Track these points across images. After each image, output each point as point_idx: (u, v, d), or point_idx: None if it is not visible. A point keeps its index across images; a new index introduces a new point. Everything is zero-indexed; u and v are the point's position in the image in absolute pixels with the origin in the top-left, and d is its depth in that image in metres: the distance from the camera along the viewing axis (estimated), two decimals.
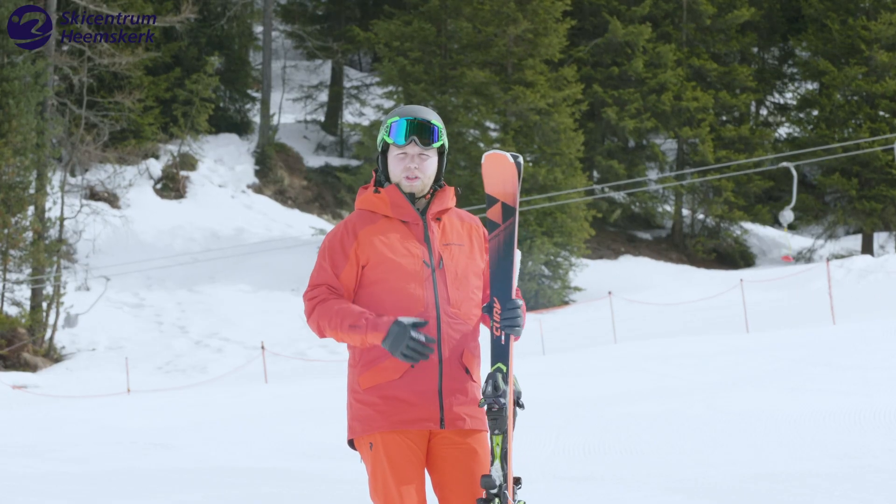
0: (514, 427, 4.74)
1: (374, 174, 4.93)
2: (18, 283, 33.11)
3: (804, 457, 9.63)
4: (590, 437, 11.42)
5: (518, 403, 4.78)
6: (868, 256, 39.09)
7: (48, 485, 10.29)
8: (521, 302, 4.74)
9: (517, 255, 4.80)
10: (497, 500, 4.63)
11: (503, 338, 4.74)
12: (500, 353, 4.74)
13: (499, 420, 4.67)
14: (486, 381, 4.69)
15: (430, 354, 4.69)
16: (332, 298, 4.75)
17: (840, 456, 9.52)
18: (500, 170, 4.81)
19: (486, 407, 4.69)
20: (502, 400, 4.67)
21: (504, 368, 4.71)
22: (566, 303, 37.13)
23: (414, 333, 4.59)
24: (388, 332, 4.61)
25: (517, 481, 4.72)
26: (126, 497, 9.55)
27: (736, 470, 9.27)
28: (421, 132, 4.79)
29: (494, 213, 4.84)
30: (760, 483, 8.57)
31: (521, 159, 4.78)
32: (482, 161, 4.84)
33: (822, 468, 9.03)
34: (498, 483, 4.63)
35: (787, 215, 40.63)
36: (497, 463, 4.67)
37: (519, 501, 4.70)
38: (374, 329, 4.64)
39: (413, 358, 4.60)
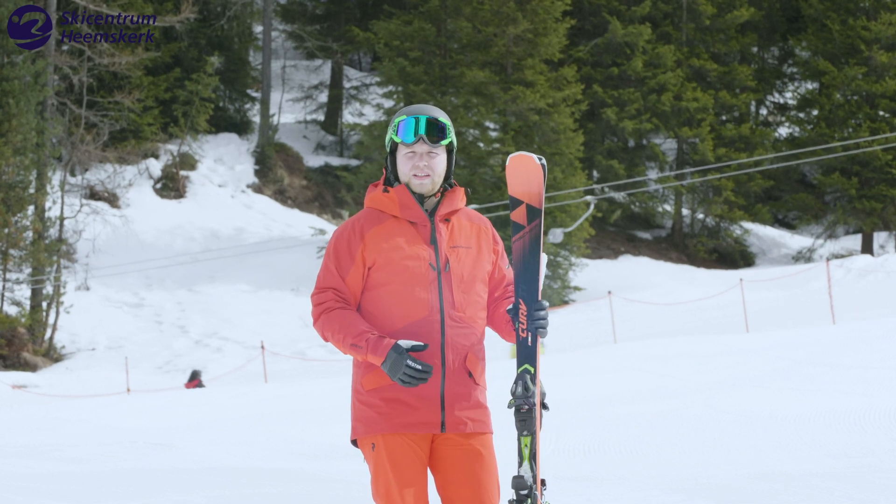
0: (541, 428, 4.74)
1: (384, 172, 4.92)
2: (18, 282, 33.12)
3: (804, 457, 9.63)
4: (590, 437, 11.42)
5: (543, 405, 4.78)
6: (868, 256, 39.09)
7: (48, 485, 10.29)
8: (546, 303, 4.76)
9: (543, 257, 4.78)
10: (528, 500, 4.64)
11: (530, 339, 4.73)
12: (528, 354, 4.73)
13: (528, 421, 4.67)
14: (516, 383, 4.68)
15: (436, 358, 4.71)
16: (338, 308, 4.74)
17: (840, 456, 9.53)
18: (525, 171, 4.79)
19: (514, 408, 4.69)
20: (532, 401, 4.67)
21: (532, 370, 4.70)
22: (566, 302, 37.13)
23: (410, 362, 4.59)
24: (387, 357, 4.62)
25: (542, 483, 4.73)
26: (126, 497, 9.55)
27: (736, 470, 9.27)
28: (429, 130, 4.78)
29: (519, 214, 4.82)
30: (760, 483, 8.57)
31: (545, 161, 4.78)
32: (507, 163, 4.83)
33: (822, 468, 9.03)
34: (529, 483, 4.63)
35: (557, 234, 39.49)
36: (526, 464, 4.66)
37: (546, 502, 4.71)
38: (373, 352, 4.65)
39: (410, 384, 4.61)
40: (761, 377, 14.54)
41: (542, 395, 4.76)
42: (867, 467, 8.97)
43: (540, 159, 4.76)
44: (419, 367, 4.58)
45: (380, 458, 4.72)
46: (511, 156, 4.80)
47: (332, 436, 12.96)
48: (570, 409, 13.32)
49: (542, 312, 4.72)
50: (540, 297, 4.77)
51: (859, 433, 10.33)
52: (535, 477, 4.67)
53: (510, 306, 4.80)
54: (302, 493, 9.53)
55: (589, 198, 38.29)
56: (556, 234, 38.14)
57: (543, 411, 4.78)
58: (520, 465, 4.68)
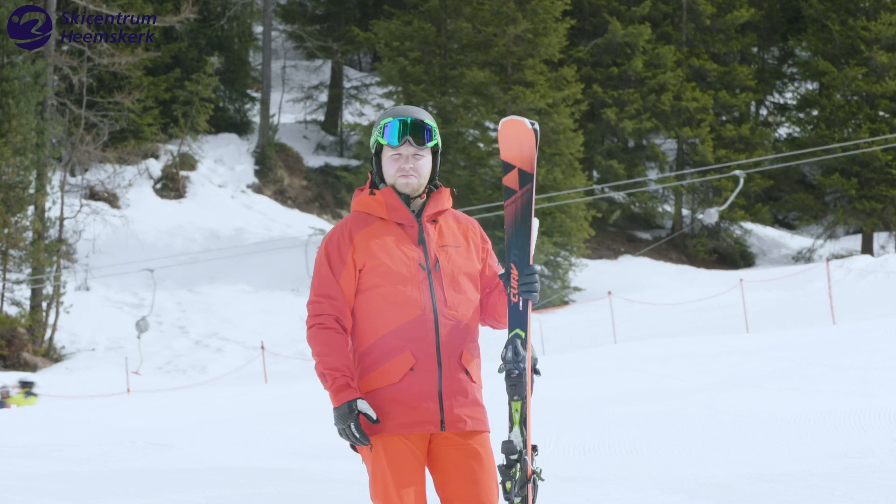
0: (532, 393, 4.74)
1: (369, 176, 4.94)
2: (18, 282, 33.11)
3: (804, 457, 9.63)
4: (590, 437, 11.42)
5: (534, 370, 4.79)
6: (868, 256, 39.10)
7: (48, 485, 10.29)
8: (538, 268, 4.78)
9: (535, 222, 4.80)
10: (518, 465, 4.64)
11: (521, 304, 4.75)
12: (519, 319, 4.75)
13: (518, 386, 4.68)
14: (506, 347, 4.71)
15: (431, 357, 4.73)
16: (331, 329, 4.76)
17: (840, 456, 9.53)
18: (517, 135, 4.81)
19: (505, 373, 4.71)
20: (522, 365, 4.68)
21: (522, 335, 4.72)
22: (566, 303, 37.13)
23: (353, 425, 4.66)
24: (341, 406, 4.67)
25: (534, 448, 4.74)
26: (126, 497, 9.55)
27: (736, 470, 9.27)
28: (414, 132, 4.81)
29: (511, 179, 4.84)
30: (760, 483, 8.57)
31: (537, 126, 4.80)
32: (499, 127, 4.85)
33: (822, 468, 9.03)
34: (519, 448, 4.64)
35: (712, 214, 40.07)
36: (517, 429, 4.68)
37: (537, 468, 4.71)
38: (334, 393, 4.70)
39: (345, 439, 4.70)
40: (761, 378, 14.55)
41: (534, 360, 4.78)
42: (867, 467, 8.97)
43: (532, 124, 4.79)
44: (357, 435, 4.66)
45: (378, 459, 4.73)
46: (503, 120, 4.83)
47: (332, 436, 12.93)
48: (570, 409, 13.32)
49: (534, 276, 4.74)
50: (532, 262, 4.79)
51: (859, 433, 10.33)
52: (525, 442, 4.67)
53: (502, 271, 4.83)
54: (302, 493, 9.53)
55: (738, 172, 38.37)
56: (711, 214, 38.47)
57: (535, 376, 4.80)
58: (510, 429, 4.69)
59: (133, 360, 32.17)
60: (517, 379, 4.68)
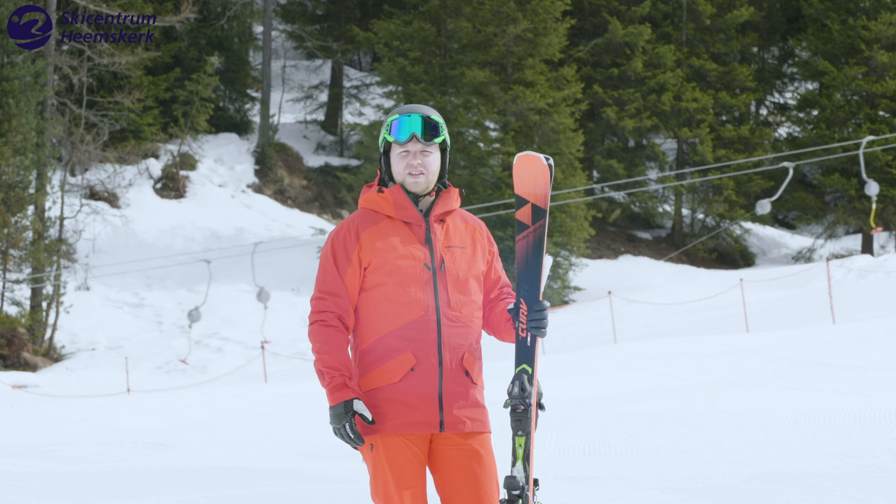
0: (536, 428, 4.75)
1: (378, 173, 4.94)
2: (18, 282, 33.10)
3: (804, 457, 9.63)
4: (590, 437, 11.42)
5: (539, 405, 4.79)
6: (868, 256, 39.09)
7: (48, 485, 10.29)
8: (547, 304, 4.78)
9: (547, 258, 4.80)
10: (520, 501, 4.65)
11: (529, 339, 4.75)
12: (526, 354, 4.74)
13: (523, 421, 4.69)
14: (513, 383, 4.70)
15: (433, 358, 4.73)
16: (332, 328, 4.76)
17: (840, 456, 9.53)
18: (532, 171, 4.80)
19: (510, 408, 4.71)
20: (528, 401, 4.69)
21: (529, 370, 4.72)
22: (566, 302, 37.13)
23: (348, 425, 4.66)
24: (337, 405, 4.67)
25: (535, 483, 4.74)
26: (126, 497, 9.55)
27: (736, 470, 9.27)
28: (422, 128, 4.81)
29: (524, 214, 4.83)
30: (760, 483, 8.57)
31: (552, 161, 4.79)
32: (514, 161, 4.85)
33: (822, 468, 9.04)
34: (521, 484, 4.65)
35: (765, 205, 40.17)
36: (520, 464, 4.69)
37: (538, 503, 4.72)
38: (332, 392, 4.70)
39: (339, 438, 4.71)
40: (761, 377, 14.55)
41: (539, 395, 4.78)
42: (867, 467, 8.97)
43: (547, 159, 4.78)
44: (351, 435, 4.66)
45: (378, 458, 4.73)
46: (518, 155, 4.82)
47: (332, 436, 12.96)
48: (570, 409, 13.32)
49: (543, 313, 4.73)
50: (542, 298, 4.78)
51: (859, 433, 10.33)
52: (527, 477, 4.68)
53: (511, 305, 4.81)
54: (302, 493, 9.53)
55: (787, 164, 38.35)
56: (764, 206, 38.46)
57: (539, 411, 4.80)
58: (513, 464, 4.70)
59: (180, 350, 32.33)
60: (522, 414, 4.69)
